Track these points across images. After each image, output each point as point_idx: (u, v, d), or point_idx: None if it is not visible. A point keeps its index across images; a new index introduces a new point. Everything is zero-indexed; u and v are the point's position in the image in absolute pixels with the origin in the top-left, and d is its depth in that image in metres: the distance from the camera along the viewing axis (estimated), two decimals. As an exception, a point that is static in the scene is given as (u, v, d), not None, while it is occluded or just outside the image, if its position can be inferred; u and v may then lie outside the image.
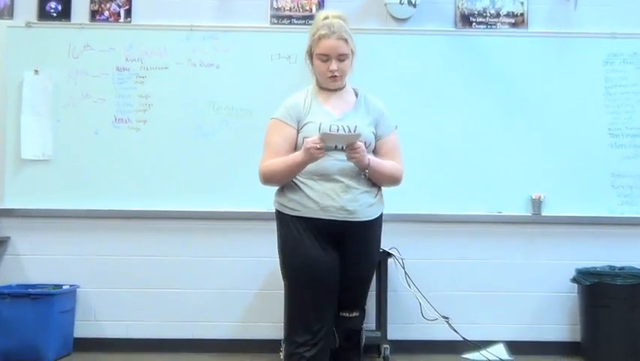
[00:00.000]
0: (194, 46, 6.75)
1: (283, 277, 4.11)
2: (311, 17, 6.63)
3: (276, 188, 4.22)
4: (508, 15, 6.84)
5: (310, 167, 3.93)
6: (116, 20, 6.81)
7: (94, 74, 6.73)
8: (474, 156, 6.74)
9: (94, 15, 6.80)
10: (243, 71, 6.73)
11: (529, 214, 6.73)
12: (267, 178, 4.07)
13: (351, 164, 3.92)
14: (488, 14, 6.84)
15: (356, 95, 4.22)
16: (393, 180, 4.14)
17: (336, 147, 3.85)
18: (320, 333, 3.95)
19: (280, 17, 6.79)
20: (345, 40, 4.01)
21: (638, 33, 6.83)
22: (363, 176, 3.96)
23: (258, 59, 6.70)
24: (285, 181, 4.02)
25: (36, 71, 6.70)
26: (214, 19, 6.81)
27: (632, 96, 6.80)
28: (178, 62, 6.75)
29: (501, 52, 6.82)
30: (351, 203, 3.93)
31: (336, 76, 4.05)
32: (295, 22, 6.77)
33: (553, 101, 6.78)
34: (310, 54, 4.14)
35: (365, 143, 3.95)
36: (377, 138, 4.11)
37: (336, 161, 3.92)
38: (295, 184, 4.01)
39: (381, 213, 4.15)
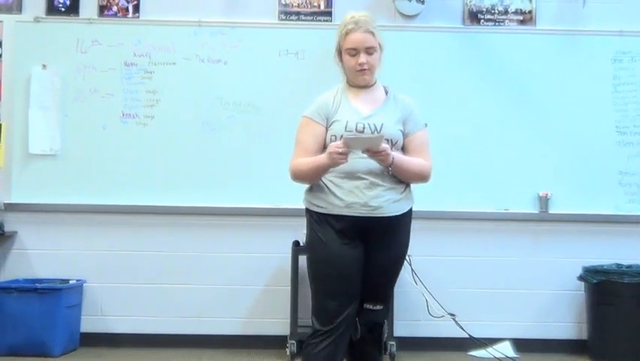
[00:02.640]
0: (202, 41, 6.75)
1: (307, 271, 4.23)
2: (319, 13, 6.70)
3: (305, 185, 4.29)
4: (516, 12, 6.84)
5: None
6: (125, 15, 6.82)
7: (102, 69, 6.74)
8: (481, 153, 6.74)
9: (102, 10, 6.81)
10: (251, 66, 6.73)
11: (536, 212, 6.73)
12: (296, 177, 4.17)
13: (374, 162, 4.00)
14: (496, 11, 6.83)
15: (386, 92, 4.29)
16: (420, 177, 4.21)
17: (365, 148, 3.93)
18: (338, 327, 4.03)
19: (288, 13, 6.79)
20: (372, 34, 4.10)
21: (646, 31, 6.84)
22: (387, 172, 4.03)
23: (266, 54, 6.71)
24: (312, 181, 4.13)
25: (44, 66, 6.71)
26: (222, 14, 6.81)
27: (640, 94, 6.81)
28: (186, 58, 6.75)
29: (509, 49, 6.81)
30: (375, 200, 4.01)
31: (365, 69, 4.12)
32: (303, 18, 6.77)
33: (560, 98, 6.78)
34: (339, 52, 4.20)
35: (392, 141, 4.05)
36: (405, 135, 4.17)
37: (361, 159, 3.99)
38: (322, 182, 4.10)
39: (410, 209, 4.21)
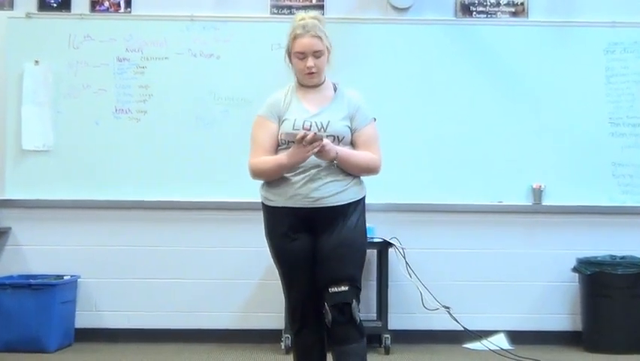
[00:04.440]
0: (194, 36, 6.75)
1: None
2: (311, 7, 6.67)
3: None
4: (508, 4, 6.84)
5: None
6: (116, 11, 6.81)
7: (94, 65, 6.74)
8: (474, 145, 6.74)
9: (94, 5, 6.81)
10: (243, 61, 6.74)
11: (530, 204, 6.74)
12: (256, 175, 4.36)
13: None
14: (488, 3, 6.83)
15: (335, 90, 4.44)
16: (367, 169, 4.35)
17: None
18: (300, 313, 4.31)
19: (280, 7, 6.79)
20: (319, 38, 4.26)
21: (639, 22, 6.82)
22: (333, 166, 4.20)
23: (258, 48, 6.70)
24: (273, 179, 4.30)
25: (36, 62, 6.70)
26: (214, 9, 6.81)
27: (633, 85, 6.80)
28: (178, 53, 6.75)
29: (501, 41, 6.81)
30: (315, 191, 4.18)
31: (313, 72, 4.29)
32: (295, 11, 6.73)
33: (553, 90, 6.78)
34: (289, 54, 4.36)
35: (338, 137, 4.23)
36: (353, 130, 4.33)
37: None
38: None
39: (360, 199, 4.34)
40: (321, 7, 6.73)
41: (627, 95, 6.80)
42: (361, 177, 4.38)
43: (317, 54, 4.26)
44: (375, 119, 4.39)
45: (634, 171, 6.77)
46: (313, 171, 4.18)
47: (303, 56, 4.26)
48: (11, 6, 6.80)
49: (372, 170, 4.36)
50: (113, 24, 6.79)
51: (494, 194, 6.75)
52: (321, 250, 4.22)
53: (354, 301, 4.19)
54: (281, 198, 4.24)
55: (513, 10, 6.84)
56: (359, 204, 4.32)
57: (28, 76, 6.70)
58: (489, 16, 6.85)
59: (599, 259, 6.47)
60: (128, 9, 6.82)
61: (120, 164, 6.70)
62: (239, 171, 6.55)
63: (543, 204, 6.72)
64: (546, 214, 6.75)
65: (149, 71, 6.75)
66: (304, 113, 4.29)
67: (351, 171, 4.28)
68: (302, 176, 4.19)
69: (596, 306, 6.40)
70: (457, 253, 6.76)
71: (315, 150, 4.06)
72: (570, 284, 6.70)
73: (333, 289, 4.16)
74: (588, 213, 6.75)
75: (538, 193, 6.70)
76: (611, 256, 6.53)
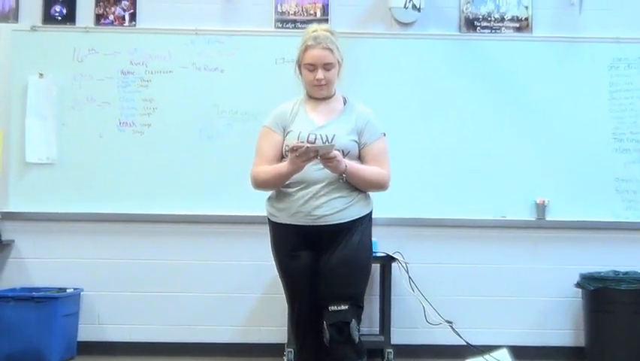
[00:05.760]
0: (198, 50, 6.76)
1: None
2: (315, 21, 6.66)
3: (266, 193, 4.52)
4: (512, 19, 6.85)
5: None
6: (121, 24, 6.82)
7: (98, 78, 6.74)
8: (478, 160, 6.74)
9: (99, 19, 6.82)
10: (248, 74, 6.74)
11: (534, 219, 6.73)
12: (257, 184, 4.41)
13: (328, 171, 4.17)
14: (493, 19, 6.84)
15: (345, 103, 4.44)
16: (376, 185, 4.34)
17: (316, 155, 4.08)
18: (303, 329, 4.36)
19: (285, 21, 6.80)
20: (331, 50, 4.27)
21: (643, 38, 6.85)
22: (341, 181, 4.21)
23: (263, 62, 6.71)
24: (273, 188, 4.35)
25: (41, 75, 6.71)
26: (219, 23, 6.82)
27: (637, 101, 6.80)
28: (182, 66, 6.75)
29: (505, 56, 6.81)
30: (318, 209, 4.20)
31: (322, 85, 4.30)
32: (300, 26, 6.76)
33: (557, 105, 6.78)
34: (299, 65, 4.38)
35: (343, 151, 4.20)
36: (361, 145, 4.32)
37: (315, 170, 4.19)
38: (280, 191, 4.32)
39: (365, 216, 4.35)
40: (325, 22, 6.74)
41: (631, 111, 6.80)
42: (368, 193, 4.38)
43: (327, 67, 4.26)
44: (384, 135, 4.39)
45: (637, 186, 6.77)
46: (317, 187, 4.18)
47: (312, 67, 4.27)
48: (16, 19, 6.82)
49: (380, 185, 4.34)
50: (117, 37, 6.80)
51: (498, 209, 6.74)
52: (322, 268, 4.22)
53: (353, 320, 4.17)
54: (284, 215, 4.25)
55: (517, 25, 6.85)
56: (364, 221, 4.31)
57: (33, 88, 6.71)
58: (493, 31, 6.85)
59: (602, 274, 6.46)
60: (133, 22, 6.83)
61: (124, 177, 6.70)
62: (242, 185, 6.54)
63: (546, 219, 6.71)
64: (549, 229, 6.75)
65: (154, 85, 6.75)
66: (310, 125, 4.28)
67: (359, 186, 4.26)
68: (305, 192, 4.19)
69: (599, 322, 6.39)
70: (460, 267, 6.75)
71: (307, 159, 4.05)
72: (573, 300, 6.69)
73: (332, 308, 4.17)
74: (591, 229, 6.74)
75: (541, 208, 6.70)
76: (615, 272, 6.52)
